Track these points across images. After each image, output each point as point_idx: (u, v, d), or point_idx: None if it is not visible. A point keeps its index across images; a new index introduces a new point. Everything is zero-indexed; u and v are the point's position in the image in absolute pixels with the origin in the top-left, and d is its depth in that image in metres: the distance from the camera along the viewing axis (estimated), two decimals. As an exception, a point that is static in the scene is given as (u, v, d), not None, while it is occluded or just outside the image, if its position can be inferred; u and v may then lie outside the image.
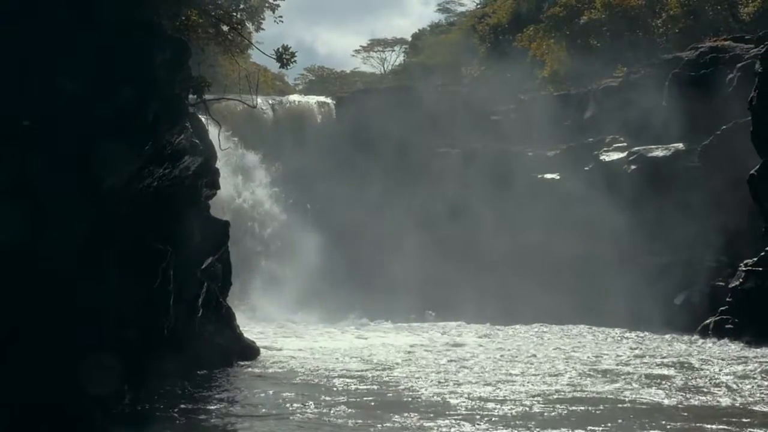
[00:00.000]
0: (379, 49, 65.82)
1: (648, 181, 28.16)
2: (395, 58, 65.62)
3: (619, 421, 12.04)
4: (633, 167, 29.43)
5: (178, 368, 15.02)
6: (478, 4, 59.13)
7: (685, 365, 17.66)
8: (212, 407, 13.06)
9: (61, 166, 12.27)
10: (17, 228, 11.51)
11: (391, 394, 14.04)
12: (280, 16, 17.42)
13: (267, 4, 17.62)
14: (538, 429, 11.49)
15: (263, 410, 12.84)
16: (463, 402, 13.27)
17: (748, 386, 14.89)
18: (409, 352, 19.82)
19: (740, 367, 17.14)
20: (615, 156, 30.50)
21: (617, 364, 17.78)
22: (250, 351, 18.32)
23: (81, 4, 13.00)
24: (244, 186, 31.68)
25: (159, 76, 13.86)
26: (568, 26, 41.12)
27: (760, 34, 28.14)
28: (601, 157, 30.81)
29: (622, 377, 15.90)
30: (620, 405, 13.21)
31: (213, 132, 18.68)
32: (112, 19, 13.36)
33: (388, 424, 11.70)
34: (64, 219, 12.20)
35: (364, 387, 14.73)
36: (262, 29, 18.89)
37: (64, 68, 12.41)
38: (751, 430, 11.54)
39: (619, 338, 23.81)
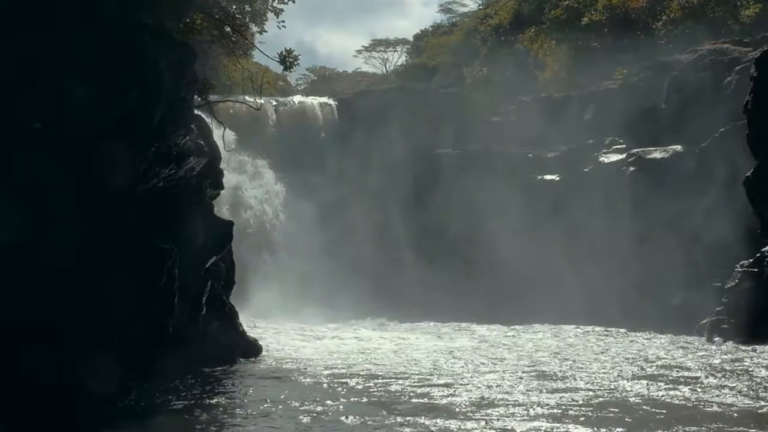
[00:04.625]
0: (381, 50, 66.08)
1: (646, 183, 28.45)
2: (397, 58, 65.91)
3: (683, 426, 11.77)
4: (632, 169, 29.71)
5: (182, 365, 15.23)
6: (480, 5, 59.36)
7: (689, 366, 17.73)
8: (216, 404, 13.19)
9: (68, 167, 12.56)
10: (25, 228, 11.80)
11: (396, 395, 14.02)
12: (283, 21, 17.64)
13: (270, 8, 17.85)
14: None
15: (266, 407, 12.98)
16: (461, 403, 13.31)
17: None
18: (427, 355, 19.60)
19: (749, 368, 17.18)
20: (614, 157, 30.78)
21: (629, 365, 17.81)
22: (253, 349, 18.55)
23: (87, 8, 13.29)
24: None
25: (165, 79, 14.15)
26: (569, 28, 41.32)
27: (758, 38, 28.41)
28: (601, 159, 31.09)
29: (638, 378, 15.87)
30: (653, 408, 13.05)
31: (217, 132, 18.92)
32: (119, 23, 13.65)
33: (391, 424, 11.73)
34: (70, 219, 12.48)
35: (367, 386, 14.80)
36: (265, 31, 19.07)
37: (71, 71, 12.69)
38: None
39: (618, 338, 24.04)
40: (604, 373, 16.55)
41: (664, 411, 12.81)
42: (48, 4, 12.90)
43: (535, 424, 11.73)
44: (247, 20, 18.79)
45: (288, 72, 18.14)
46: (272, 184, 32.70)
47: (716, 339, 22.30)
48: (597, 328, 25.75)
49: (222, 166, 18.89)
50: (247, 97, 23.12)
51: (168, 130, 14.61)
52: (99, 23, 13.24)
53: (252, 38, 20.51)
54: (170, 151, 15.00)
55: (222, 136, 18.76)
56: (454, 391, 14.22)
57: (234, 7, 18.48)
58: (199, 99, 17.88)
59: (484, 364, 17.98)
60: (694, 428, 11.54)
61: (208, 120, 18.64)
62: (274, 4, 17.76)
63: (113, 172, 12.96)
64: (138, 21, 14.16)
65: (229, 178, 22.74)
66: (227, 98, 22.32)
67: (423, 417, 12.10)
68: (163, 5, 15.12)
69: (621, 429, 11.56)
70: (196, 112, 17.71)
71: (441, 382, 15.31)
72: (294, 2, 17.48)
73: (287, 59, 16.69)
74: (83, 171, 12.66)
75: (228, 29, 18.21)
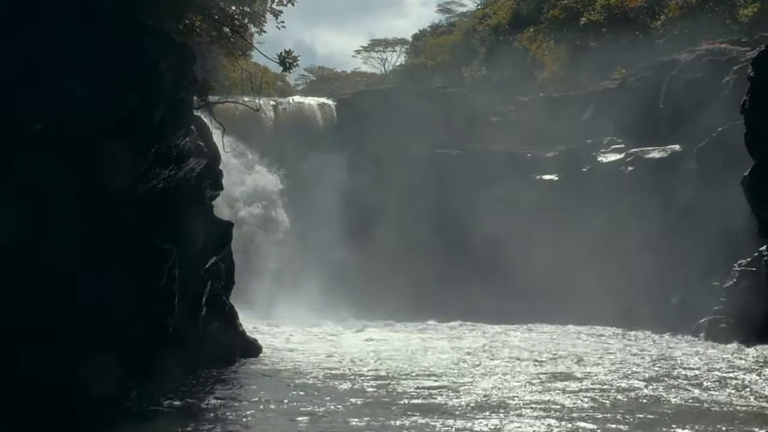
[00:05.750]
0: (380, 50, 66.08)
1: (645, 183, 28.50)
2: (396, 58, 65.94)
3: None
4: (630, 168, 29.77)
5: (182, 365, 15.26)
6: (478, 5, 59.41)
7: (691, 366, 17.79)
8: (216, 404, 13.20)
9: (68, 168, 12.59)
10: (25, 228, 11.84)
11: (400, 396, 14.00)
12: (282, 22, 17.65)
13: (269, 10, 17.85)
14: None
15: (265, 407, 13.03)
16: (466, 404, 13.30)
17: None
18: (435, 354, 19.59)
19: (749, 368, 17.22)
20: (613, 157, 30.84)
21: (634, 365, 17.79)
22: (253, 349, 18.60)
23: (87, 8, 13.32)
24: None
25: (165, 80, 14.19)
26: (567, 28, 41.38)
27: (756, 38, 28.46)
28: (599, 159, 31.15)
29: (643, 378, 15.89)
30: (660, 408, 13.06)
31: (216, 132, 18.94)
32: (119, 24, 13.69)
33: (392, 425, 11.73)
34: (70, 219, 12.51)
35: (370, 386, 14.83)
36: (264, 32, 19.07)
37: (71, 71, 12.73)
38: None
39: (619, 338, 24.08)
40: (609, 373, 16.57)
41: (670, 411, 12.85)
42: (48, 4, 12.93)
43: (544, 423, 11.75)
44: (246, 21, 18.79)
45: (287, 72, 18.13)
46: (271, 184, 32.68)
47: (715, 338, 22.36)
48: (597, 328, 25.80)
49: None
50: (246, 98, 23.12)
51: (168, 131, 14.65)
52: (99, 23, 13.27)
53: (251, 39, 20.51)
54: (170, 151, 15.04)
55: (221, 138, 18.80)
56: (461, 392, 14.22)
57: (233, 8, 18.49)
58: (198, 100, 17.90)
59: (492, 364, 17.94)
60: (701, 428, 11.58)
61: (207, 121, 18.65)
62: (273, 5, 17.76)
63: (113, 172, 12.99)
64: (138, 21, 14.20)
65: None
66: (226, 99, 22.32)
67: (426, 418, 12.09)
68: (163, 6, 15.15)
69: (628, 429, 11.61)
70: (195, 113, 17.74)
71: (448, 382, 15.30)
72: (293, 4, 17.50)
73: (286, 60, 16.69)
74: (83, 171, 12.70)
75: (227, 30, 18.20)
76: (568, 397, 13.81)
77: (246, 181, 31.84)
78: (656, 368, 17.34)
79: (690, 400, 13.76)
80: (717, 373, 16.61)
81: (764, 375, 16.34)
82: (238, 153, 30.62)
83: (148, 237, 14.34)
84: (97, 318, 12.63)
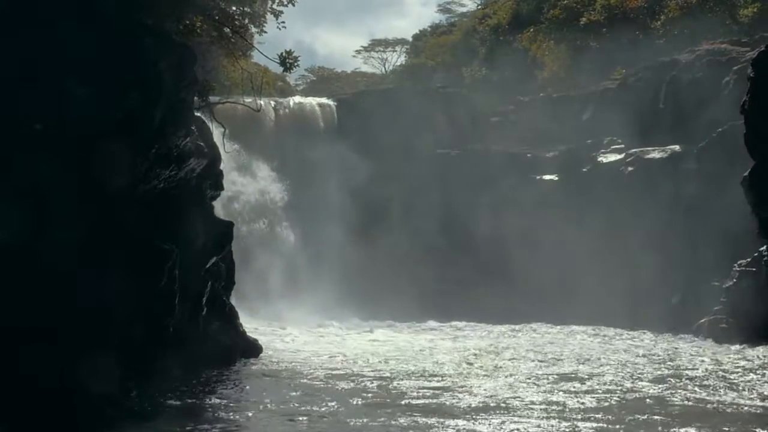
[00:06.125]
0: (380, 50, 66.09)
1: (645, 183, 28.51)
2: (396, 58, 65.95)
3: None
4: (630, 169, 29.77)
5: (183, 365, 15.26)
6: (478, 5, 59.42)
7: (693, 366, 17.79)
8: (216, 404, 13.21)
9: (68, 168, 12.59)
10: (25, 228, 11.83)
11: (401, 396, 13.99)
12: (283, 22, 17.64)
13: (270, 10, 17.85)
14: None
15: (265, 407, 13.01)
16: (457, 402, 13.32)
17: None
18: (437, 355, 19.61)
19: (751, 369, 17.21)
20: (613, 157, 30.85)
21: (637, 366, 17.78)
22: (253, 349, 18.58)
23: (87, 8, 13.32)
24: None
25: (165, 80, 14.19)
26: (567, 28, 41.40)
27: (756, 38, 28.47)
28: (599, 159, 31.15)
29: (646, 379, 15.89)
30: (663, 409, 13.06)
31: (217, 133, 18.95)
32: (119, 24, 13.69)
33: (393, 425, 11.71)
34: (70, 219, 12.50)
35: (370, 387, 14.82)
36: (264, 32, 19.07)
37: (71, 71, 12.73)
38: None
39: (621, 338, 24.07)
40: (615, 373, 16.55)
41: (676, 412, 12.83)
42: (48, 4, 12.93)
43: (548, 424, 11.71)
44: (247, 21, 18.79)
45: (287, 73, 18.13)
46: (271, 184, 32.65)
47: (715, 339, 22.38)
48: (600, 328, 25.80)
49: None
50: (246, 98, 23.12)
51: (168, 131, 14.65)
52: (99, 23, 13.27)
53: (251, 39, 20.50)
54: (171, 152, 15.05)
55: (222, 138, 18.80)
56: (465, 392, 14.21)
57: (233, 8, 18.48)
58: (198, 100, 17.89)
59: (496, 365, 17.88)
60: (706, 428, 11.56)
61: (207, 121, 18.64)
62: (274, 5, 17.75)
63: (113, 172, 12.99)
64: (138, 21, 14.20)
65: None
66: (227, 99, 22.32)
67: (427, 418, 12.07)
68: (163, 6, 15.14)
69: (633, 429, 11.59)
70: (196, 113, 17.74)
71: (451, 383, 15.26)
72: (293, 5, 17.48)
73: (287, 60, 16.67)
74: (84, 171, 12.70)
75: (227, 30, 18.19)
76: (574, 397, 13.78)
77: (248, 190, 31.79)
78: (662, 369, 17.33)
79: (695, 401, 13.74)
80: (721, 373, 16.60)
81: (765, 375, 16.34)
82: (241, 164, 30.59)
83: (148, 237, 14.34)
84: (97, 318, 12.62)
